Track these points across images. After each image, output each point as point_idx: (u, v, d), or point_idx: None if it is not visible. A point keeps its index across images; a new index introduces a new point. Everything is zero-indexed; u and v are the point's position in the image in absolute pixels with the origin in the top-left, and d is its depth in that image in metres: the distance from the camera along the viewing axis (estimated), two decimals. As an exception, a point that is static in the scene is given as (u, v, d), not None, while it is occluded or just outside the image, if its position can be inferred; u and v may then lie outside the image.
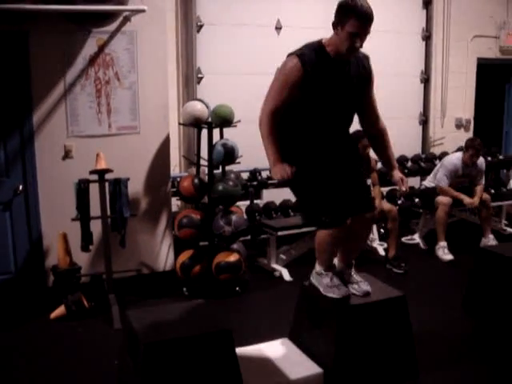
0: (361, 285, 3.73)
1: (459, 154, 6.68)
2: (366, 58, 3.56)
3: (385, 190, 6.94)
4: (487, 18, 8.77)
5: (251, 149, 5.78)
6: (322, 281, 3.66)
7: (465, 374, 3.90)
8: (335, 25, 3.30)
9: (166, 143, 5.50)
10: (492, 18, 8.82)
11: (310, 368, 3.63)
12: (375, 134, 3.72)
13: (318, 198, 3.48)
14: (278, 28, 6.96)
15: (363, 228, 3.72)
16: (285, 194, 6.50)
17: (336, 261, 3.84)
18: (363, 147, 5.88)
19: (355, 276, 3.78)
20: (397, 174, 3.76)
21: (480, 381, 3.83)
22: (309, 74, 3.28)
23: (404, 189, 3.74)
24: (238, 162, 5.41)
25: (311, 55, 3.32)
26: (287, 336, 4.02)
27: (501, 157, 8.28)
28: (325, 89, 3.35)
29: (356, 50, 3.31)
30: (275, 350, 3.87)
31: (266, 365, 3.69)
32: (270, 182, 6.50)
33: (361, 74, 3.49)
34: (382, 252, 6.39)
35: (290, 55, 3.38)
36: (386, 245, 6.31)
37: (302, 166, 3.40)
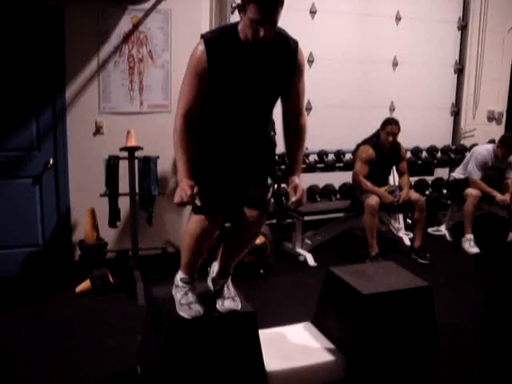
0: (226, 302, 3.26)
1: (490, 146, 6.61)
2: (294, 45, 3.04)
3: (413, 179, 6.89)
4: (525, 8, 8.63)
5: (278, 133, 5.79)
6: (177, 295, 3.26)
7: (486, 368, 3.87)
8: (239, 9, 2.84)
9: (196, 123, 5.50)
10: (530, 10, 8.68)
11: (332, 353, 3.62)
12: (293, 130, 3.17)
13: (201, 181, 2.96)
14: (313, 12, 6.91)
15: (243, 227, 3.18)
16: (313, 179, 6.52)
17: (213, 266, 3.49)
18: (387, 134, 5.85)
19: (227, 290, 3.35)
20: (295, 181, 3.13)
21: (501, 376, 3.80)
22: (214, 62, 2.86)
23: (294, 199, 3.09)
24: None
25: (220, 40, 2.89)
26: (310, 320, 4.03)
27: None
28: (232, 78, 2.92)
29: (261, 39, 2.79)
30: (298, 333, 3.87)
31: (288, 348, 3.69)
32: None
33: (281, 64, 2.99)
34: (407, 242, 6.36)
35: (201, 37, 2.93)
36: (411, 235, 6.27)
37: (205, 158, 3.03)
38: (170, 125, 5.28)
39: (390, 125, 5.87)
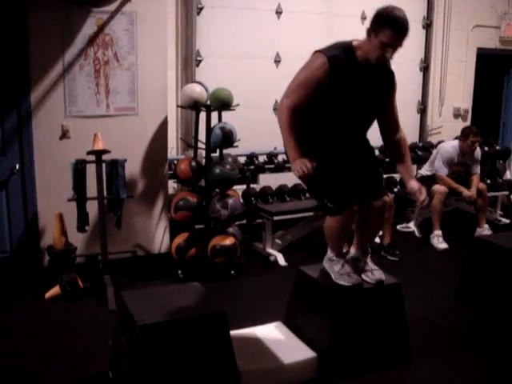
0: (375, 273, 3.73)
1: (455, 143, 6.70)
2: (392, 72, 3.56)
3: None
4: (488, 7, 8.74)
5: (249, 133, 5.79)
6: (333, 267, 3.68)
7: (457, 361, 3.92)
8: (369, 31, 3.29)
9: (163, 125, 5.49)
10: (493, 8, 8.79)
11: (304, 352, 3.65)
12: (394, 143, 3.70)
13: (325, 185, 3.49)
14: (279, 12, 6.93)
15: (372, 215, 3.65)
16: (281, 179, 6.53)
17: (352, 248, 3.85)
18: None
19: (370, 264, 3.78)
20: (414, 185, 3.66)
21: (472, 369, 3.85)
22: (335, 76, 3.28)
23: (422, 198, 3.64)
24: (236, 146, 5.40)
25: (340, 57, 3.32)
26: (281, 320, 4.04)
27: (497, 147, 8.29)
28: (348, 92, 3.35)
29: (386, 60, 3.33)
30: (269, 333, 3.88)
31: (259, 348, 3.70)
32: (266, 166, 6.51)
33: (384, 84, 3.51)
34: (377, 239, 6.39)
35: (318, 52, 3.37)
36: (381, 232, 6.31)
37: (317, 158, 3.35)
38: (137, 128, 5.34)
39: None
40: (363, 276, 3.71)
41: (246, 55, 6.70)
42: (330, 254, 3.73)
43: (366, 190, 3.56)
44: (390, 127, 3.66)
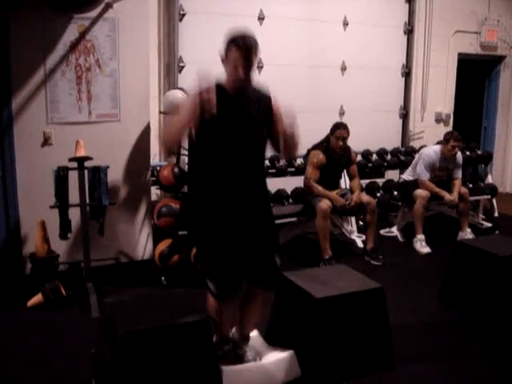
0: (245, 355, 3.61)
1: (437, 147, 6.73)
2: (269, 97, 3.41)
3: (364, 182, 6.98)
4: (469, 13, 8.85)
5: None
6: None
7: (441, 365, 3.94)
8: (223, 60, 3.27)
9: (146, 132, 5.47)
10: (473, 14, 8.89)
11: (285, 352, 3.66)
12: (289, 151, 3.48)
13: (208, 261, 3.38)
14: (261, 18, 6.95)
15: (256, 303, 3.59)
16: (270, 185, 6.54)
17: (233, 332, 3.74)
18: (337, 139, 5.92)
19: (249, 353, 3.62)
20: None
21: (456, 372, 3.87)
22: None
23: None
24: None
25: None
26: (266, 325, 4.03)
27: (479, 152, 8.34)
28: (223, 126, 3.23)
29: (241, 80, 3.20)
30: (252, 337, 3.86)
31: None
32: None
33: (261, 111, 3.33)
34: (360, 244, 6.42)
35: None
36: (364, 237, 6.34)
37: (201, 219, 3.30)
38: (119, 134, 5.32)
39: (340, 129, 5.93)
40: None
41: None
42: (215, 337, 3.53)
43: (254, 274, 3.43)
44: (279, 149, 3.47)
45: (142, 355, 3.03)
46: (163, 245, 5.31)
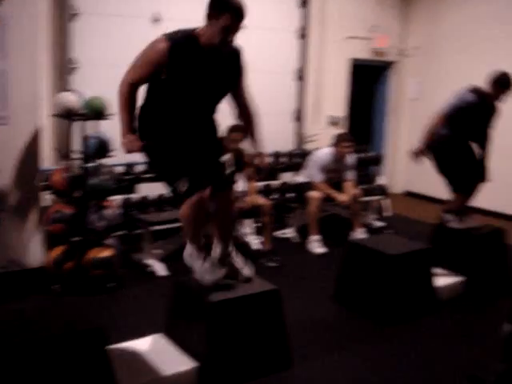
0: (242, 271, 3.87)
1: (329, 150, 6.87)
2: (238, 51, 3.67)
3: (259, 184, 7.04)
4: (361, 20, 9.12)
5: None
6: (195, 264, 3.75)
7: (337, 361, 4.06)
8: (209, 17, 3.40)
9: (36, 135, 5.30)
10: (365, 20, 9.16)
11: (184, 363, 3.63)
12: (246, 118, 3.88)
13: (173, 167, 3.57)
14: (157, 20, 6.88)
15: (224, 203, 3.80)
16: (161, 189, 6.46)
17: (215, 249, 3.90)
18: (232, 141, 5.95)
19: (236, 261, 3.90)
20: (257, 149, 3.91)
21: (351, 367, 4.00)
22: (174, 61, 3.37)
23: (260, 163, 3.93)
24: (112, 156, 5.30)
25: (182, 42, 3.41)
26: (162, 332, 4.00)
27: (370, 153, 8.61)
28: (190, 77, 3.44)
29: (228, 43, 3.44)
30: (149, 346, 3.84)
31: (139, 361, 3.66)
32: (145, 175, 6.42)
33: (231, 67, 3.64)
34: (256, 246, 6.47)
35: (162, 36, 3.42)
36: (260, 239, 6.39)
37: (161, 137, 3.55)
38: (7, 138, 5.13)
39: (235, 132, 5.97)
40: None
41: (123, 63, 6.54)
42: (189, 248, 3.78)
43: (212, 178, 3.64)
44: (241, 107, 3.83)
45: (34, 366, 2.92)
46: (56, 251, 5.16)
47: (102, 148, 5.14)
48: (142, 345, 3.86)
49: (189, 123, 3.59)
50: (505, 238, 5.88)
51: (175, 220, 5.95)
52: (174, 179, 3.56)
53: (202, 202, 3.55)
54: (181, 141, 3.58)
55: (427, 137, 5.46)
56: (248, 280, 3.82)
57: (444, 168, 5.55)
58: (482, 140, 5.60)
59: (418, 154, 5.52)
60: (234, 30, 3.39)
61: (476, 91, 5.39)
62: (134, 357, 3.71)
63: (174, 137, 3.57)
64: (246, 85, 3.80)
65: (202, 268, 3.71)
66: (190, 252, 3.77)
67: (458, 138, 5.45)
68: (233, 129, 6.01)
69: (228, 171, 3.78)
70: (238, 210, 5.92)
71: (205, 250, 3.79)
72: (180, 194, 3.55)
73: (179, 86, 3.45)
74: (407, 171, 9.83)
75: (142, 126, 3.58)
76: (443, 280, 5.32)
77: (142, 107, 3.60)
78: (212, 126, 3.78)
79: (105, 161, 5.39)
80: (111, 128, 5.33)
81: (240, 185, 6.52)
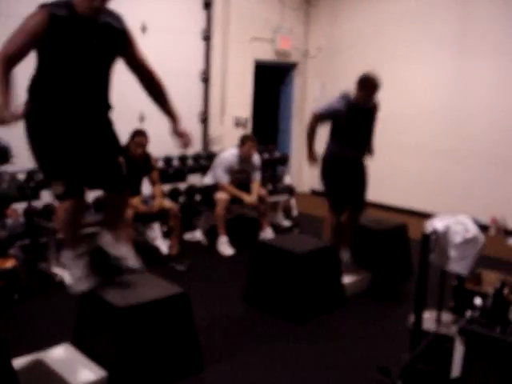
0: (124, 262, 3.72)
1: (234, 150, 6.91)
2: (119, 17, 3.52)
3: (166, 188, 7.01)
4: (264, 21, 9.21)
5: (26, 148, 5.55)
6: (70, 270, 3.62)
7: (248, 362, 4.11)
8: None
9: None
10: (268, 22, 9.27)
11: (93, 372, 3.58)
12: (153, 90, 3.69)
13: (51, 163, 3.38)
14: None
15: (117, 205, 3.72)
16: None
17: (105, 235, 3.76)
18: (136, 145, 5.89)
19: (122, 249, 3.74)
20: (179, 128, 3.78)
21: (263, 368, 4.04)
22: (54, 32, 3.18)
23: (184, 144, 3.83)
24: (13, 163, 5.14)
25: (61, 11, 3.20)
26: (70, 341, 3.93)
27: (277, 153, 8.73)
28: (69, 47, 3.26)
29: (96, 9, 3.24)
30: (57, 357, 3.76)
31: (47, 373, 3.57)
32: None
33: (112, 34, 3.43)
34: (165, 250, 6.42)
35: (40, 6, 3.21)
36: (168, 243, 6.36)
37: (43, 122, 3.34)
38: None
39: (138, 136, 5.92)
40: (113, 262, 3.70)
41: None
42: (66, 253, 3.63)
43: (99, 178, 3.53)
44: (145, 77, 3.65)
45: None
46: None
47: (2, 155, 4.98)
48: (49, 356, 3.76)
49: (75, 108, 3.37)
50: (407, 233, 6.13)
51: (86, 225, 5.84)
52: (50, 177, 3.38)
53: (80, 206, 3.43)
54: (65, 131, 3.36)
55: (308, 141, 5.49)
56: (132, 271, 3.74)
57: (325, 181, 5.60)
58: (363, 146, 5.54)
59: (309, 157, 5.57)
60: None
61: (344, 97, 5.30)
62: (42, 368, 3.61)
63: (57, 125, 3.35)
64: (142, 52, 3.63)
65: (76, 275, 3.58)
66: (66, 257, 3.62)
67: (339, 156, 5.42)
68: (136, 133, 5.96)
69: (122, 172, 3.64)
70: (145, 213, 5.89)
71: (82, 256, 3.63)
72: (57, 197, 3.39)
73: (59, 57, 3.26)
74: (312, 170, 10.00)
75: (28, 102, 3.33)
76: (350, 276, 5.47)
77: (30, 83, 3.37)
78: (104, 117, 3.57)
79: (5, 168, 5.23)
80: (11, 134, 5.21)
81: (146, 188, 6.49)
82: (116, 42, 3.46)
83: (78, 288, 3.56)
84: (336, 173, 5.46)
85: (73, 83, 3.35)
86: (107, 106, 3.59)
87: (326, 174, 5.53)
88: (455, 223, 3.95)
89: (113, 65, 3.52)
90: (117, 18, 3.50)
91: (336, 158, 5.42)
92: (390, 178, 8.97)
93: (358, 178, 5.56)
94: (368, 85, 5.22)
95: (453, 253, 3.92)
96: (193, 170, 7.71)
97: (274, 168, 8.82)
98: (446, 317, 4.18)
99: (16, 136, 5.20)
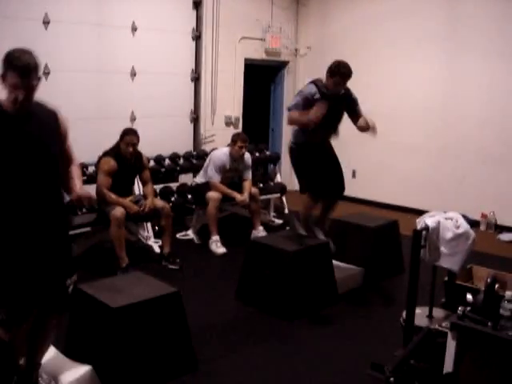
0: None
1: (226, 149, 6.92)
2: (54, 113, 3.21)
3: (158, 187, 7.02)
4: (253, 21, 9.22)
5: None
6: None
7: (242, 360, 4.11)
8: (2, 80, 2.95)
9: None
10: (258, 21, 9.28)
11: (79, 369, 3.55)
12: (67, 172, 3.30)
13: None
14: (46, 22, 6.69)
15: (49, 328, 3.38)
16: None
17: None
18: (126, 144, 5.83)
19: (42, 381, 3.41)
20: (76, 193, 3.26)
21: (256, 366, 4.05)
22: None
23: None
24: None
25: None
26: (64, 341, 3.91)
27: (268, 152, 8.74)
28: (5, 149, 2.95)
29: (20, 102, 2.93)
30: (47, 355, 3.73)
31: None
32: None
33: (47, 130, 3.12)
34: (157, 249, 6.41)
35: None
36: (160, 242, 6.35)
37: None
38: None
39: (129, 135, 5.88)
40: None
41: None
42: None
43: (44, 301, 3.19)
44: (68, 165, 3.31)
45: None
46: None
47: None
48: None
49: (19, 221, 3.00)
50: (399, 230, 6.15)
51: (72, 227, 5.83)
52: None
53: (21, 332, 3.17)
54: (7, 251, 2.99)
55: (299, 120, 5.10)
56: None
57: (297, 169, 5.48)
58: (331, 131, 5.33)
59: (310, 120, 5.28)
60: (23, 87, 2.90)
61: (315, 83, 5.15)
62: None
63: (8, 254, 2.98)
64: (71, 149, 3.34)
65: None
66: None
67: (308, 143, 5.25)
68: (126, 132, 5.93)
69: (68, 290, 3.28)
70: (136, 213, 5.88)
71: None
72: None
73: None
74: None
75: None
76: (342, 273, 5.48)
77: None
78: (54, 220, 3.17)
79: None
80: None
81: (137, 188, 6.49)
82: (54, 137, 3.17)
83: None
84: (308, 158, 5.27)
85: (13, 196, 2.99)
86: (58, 213, 3.22)
87: (298, 161, 5.38)
88: (446, 219, 3.98)
89: (54, 159, 3.16)
90: (53, 112, 3.22)
91: (305, 143, 5.24)
92: (381, 176, 9.00)
93: (330, 159, 5.44)
94: (338, 72, 5.05)
95: (444, 249, 3.95)
96: (184, 170, 7.71)
97: (265, 167, 8.83)
98: (438, 312, 4.21)
99: None
